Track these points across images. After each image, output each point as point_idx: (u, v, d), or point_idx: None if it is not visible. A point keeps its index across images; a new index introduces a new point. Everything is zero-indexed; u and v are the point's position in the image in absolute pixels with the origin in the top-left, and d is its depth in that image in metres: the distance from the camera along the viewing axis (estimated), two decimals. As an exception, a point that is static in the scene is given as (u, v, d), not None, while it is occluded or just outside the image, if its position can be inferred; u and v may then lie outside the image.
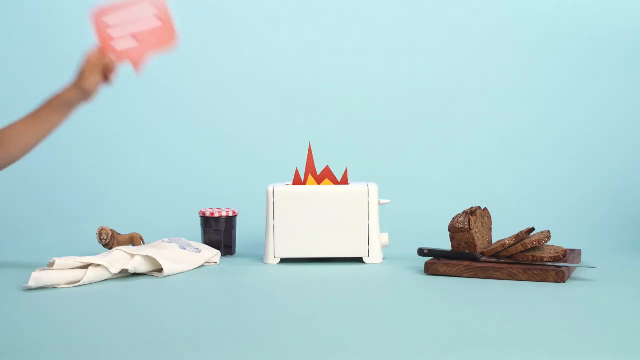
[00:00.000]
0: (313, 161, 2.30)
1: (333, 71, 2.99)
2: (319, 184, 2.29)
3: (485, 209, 2.24)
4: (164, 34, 2.20)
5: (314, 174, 2.29)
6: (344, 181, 2.29)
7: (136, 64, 2.20)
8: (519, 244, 2.07)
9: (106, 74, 2.19)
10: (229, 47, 3.00)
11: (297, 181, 2.29)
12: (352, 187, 2.25)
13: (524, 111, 2.92)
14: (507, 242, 2.09)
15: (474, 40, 2.98)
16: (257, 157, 2.92)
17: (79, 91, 2.17)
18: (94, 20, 2.20)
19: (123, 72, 2.19)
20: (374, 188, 2.25)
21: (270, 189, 2.26)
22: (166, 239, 2.26)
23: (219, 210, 2.38)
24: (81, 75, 2.17)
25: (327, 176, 2.29)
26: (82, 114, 2.92)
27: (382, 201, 2.28)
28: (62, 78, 2.25)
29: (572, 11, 2.96)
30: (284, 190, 2.25)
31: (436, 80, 2.08)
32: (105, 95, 2.93)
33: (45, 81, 2.39)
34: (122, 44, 2.19)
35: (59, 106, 2.19)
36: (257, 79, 2.99)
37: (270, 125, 2.96)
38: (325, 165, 2.30)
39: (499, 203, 2.52)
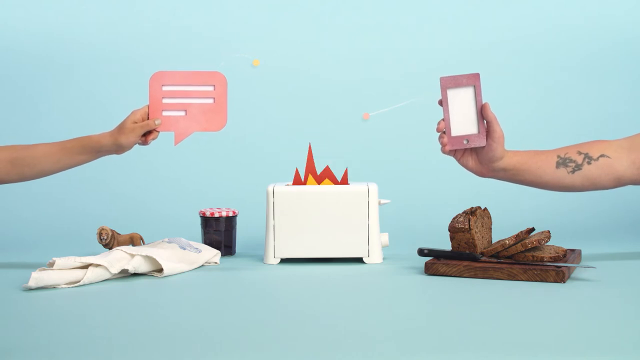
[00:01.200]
0: (313, 161, 2.30)
1: (333, 70, 3.00)
2: (319, 183, 2.29)
3: (485, 209, 2.24)
4: (213, 117, 2.23)
5: (314, 174, 2.29)
6: (344, 181, 2.29)
7: (178, 137, 2.22)
8: (519, 244, 2.07)
9: (146, 136, 2.20)
10: (228, 46, 3.00)
11: (297, 181, 2.29)
12: (352, 187, 2.25)
13: (523, 111, 2.93)
14: (507, 242, 2.09)
15: (475, 41, 2.99)
16: (257, 157, 2.93)
17: (114, 143, 2.18)
18: (152, 83, 2.22)
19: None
20: (374, 188, 2.25)
21: (270, 189, 2.26)
22: (166, 239, 2.27)
23: (219, 210, 2.38)
24: (122, 130, 2.17)
25: (327, 176, 2.29)
26: (82, 113, 2.94)
27: (382, 201, 2.28)
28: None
29: (572, 15, 2.97)
30: (284, 191, 2.25)
31: (437, 79, 2.08)
32: (107, 94, 2.96)
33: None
34: (171, 114, 2.22)
35: (89, 149, 2.20)
36: (257, 78, 2.99)
37: (270, 125, 2.96)
38: (325, 165, 2.30)
39: (499, 203, 2.52)
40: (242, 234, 2.44)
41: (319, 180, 2.29)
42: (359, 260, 2.25)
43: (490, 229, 2.25)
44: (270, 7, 3.02)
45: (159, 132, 2.22)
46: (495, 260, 2.09)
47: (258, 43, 3.01)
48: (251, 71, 2.97)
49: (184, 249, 2.22)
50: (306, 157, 2.30)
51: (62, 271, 1.99)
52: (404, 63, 3.01)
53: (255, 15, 3.02)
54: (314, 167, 2.30)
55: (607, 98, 2.97)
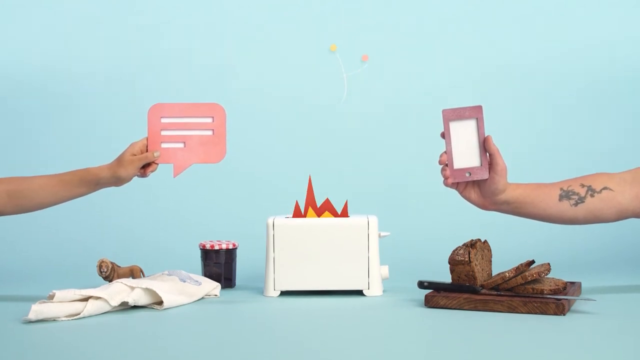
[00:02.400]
0: (313, 194, 2.30)
1: (334, 102, 3.00)
2: (319, 216, 2.29)
3: (485, 241, 2.24)
4: (212, 148, 2.23)
5: (314, 206, 2.29)
6: (344, 214, 2.29)
7: (177, 169, 2.23)
8: (519, 276, 2.07)
9: (145, 168, 2.20)
10: (228, 77, 3.01)
11: (297, 214, 2.29)
12: (352, 220, 2.25)
13: (521, 145, 2.93)
14: (507, 274, 2.09)
15: (472, 75, 3.00)
16: (257, 189, 2.93)
17: (113, 176, 2.18)
18: (150, 115, 2.22)
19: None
20: (374, 220, 2.25)
21: (270, 221, 2.26)
22: (166, 272, 2.26)
23: (219, 243, 2.38)
24: (121, 163, 2.18)
25: (327, 208, 2.29)
26: (81, 144, 2.95)
27: (382, 234, 2.28)
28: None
29: (572, 46, 2.98)
30: (284, 223, 2.25)
31: (437, 112, 2.09)
32: (105, 125, 2.96)
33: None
34: (170, 146, 2.22)
35: (88, 181, 2.20)
36: (257, 109, 3.00)
37: (270, 157, 2.97)
38: (325, 198, 2.30)
39: (498, 236, 2.52)
40: (242, 266, 2.44)
41: (319, 212, 2.29)
42: (359, 292, 2.25)
43: (490, 261, 2.25)
44: (269, 36, 3.03)
45: (157, 164, 2.22)
46: (496, 292, 2.09)
47: (258, 74, 3.01)
48: (251, 102, 2.98)
49: (184, 281, 2.22)
50: (306, 189, 2.31)
51: (62, 304, 1.99)
52: (404, 96, 3.02)
53: (254, 51, 3.03)
54: (314, 199, 2.30)
55: (609, 130, 2.97)
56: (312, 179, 2.32)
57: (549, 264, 2.13)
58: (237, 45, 3.03)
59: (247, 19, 3.03)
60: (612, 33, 3.01)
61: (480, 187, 2.14)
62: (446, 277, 2.21)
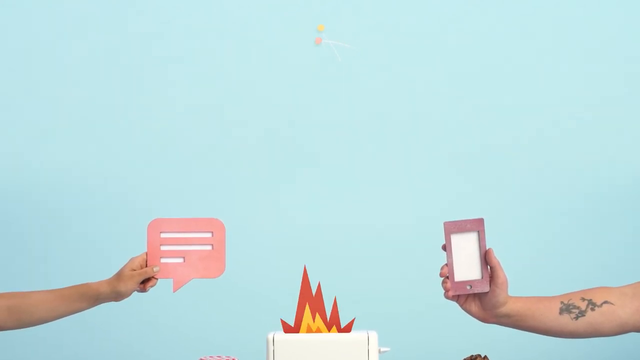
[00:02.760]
0: (322, 300, 2.29)
1: (330, 217, 3.01)
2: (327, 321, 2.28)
3: (486, 356, 2.23)
4: (212, 263, 2.25)
5: (321, 313, 2.28)
6: (348, 330, 2.29)
7: (176, 284, 2.24)
8: (521, 392, 2.06)
9: (144, 283, 2.22)
10: (228, 192, 3.02)
11: (290, 329, 2.28)
12: (352, 336, 2.24)
13: (522, 258, 2.94)
14: (509, 390, 2.08)
15: (474, 186, 3.01)
16: (256, 304, 2.92)
17: (113, 291, 2.20)
18: (150, 230, 2.24)
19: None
20: (373, 336, 2.24)
21: (270, 337, 2.25)
22: (166, 388, 2.25)
23: (219, 358, 2.36)
24: (120, 278, 2.19)
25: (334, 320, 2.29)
26: (80, 260, 2.94)
27: (382, 349, 2.27)
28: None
29: (572, 158, 3.01)
30: (284, 339, 2.24)
31: (439, 225, 2.11)
32: (104, 240, 2.97)
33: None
34: (169, 261, 2.24)
35: (88, 297, 2.21)
36: (256, 226, 3.01)
37: (269, 272, 2.97)
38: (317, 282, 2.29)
39: (499, 349, 2.51)
40: (242, 382, 2.43)
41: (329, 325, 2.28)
42: (360, 409, 2.24)
43: (491, 376, 2.24)
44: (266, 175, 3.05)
45: (157, 279, 2.23)
46: (497, 409, 2.08)
47: (259, 192, 3.03)
48: (249, 217, 2.99)
49: (183, 397, 2.20)
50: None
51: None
52: (405, 210, 3.02)
53: (254, 171, 3.05)
54: (324, 308, 2.29)
55: (609, 244, 2.98)
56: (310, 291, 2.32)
57: (550, 378, 2.12)
58: (235, 179, 3.04)
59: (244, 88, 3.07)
60: (611, 143, 3.03)
61: (481, 300, 2.14)
62: (447, 393, 2.20)
